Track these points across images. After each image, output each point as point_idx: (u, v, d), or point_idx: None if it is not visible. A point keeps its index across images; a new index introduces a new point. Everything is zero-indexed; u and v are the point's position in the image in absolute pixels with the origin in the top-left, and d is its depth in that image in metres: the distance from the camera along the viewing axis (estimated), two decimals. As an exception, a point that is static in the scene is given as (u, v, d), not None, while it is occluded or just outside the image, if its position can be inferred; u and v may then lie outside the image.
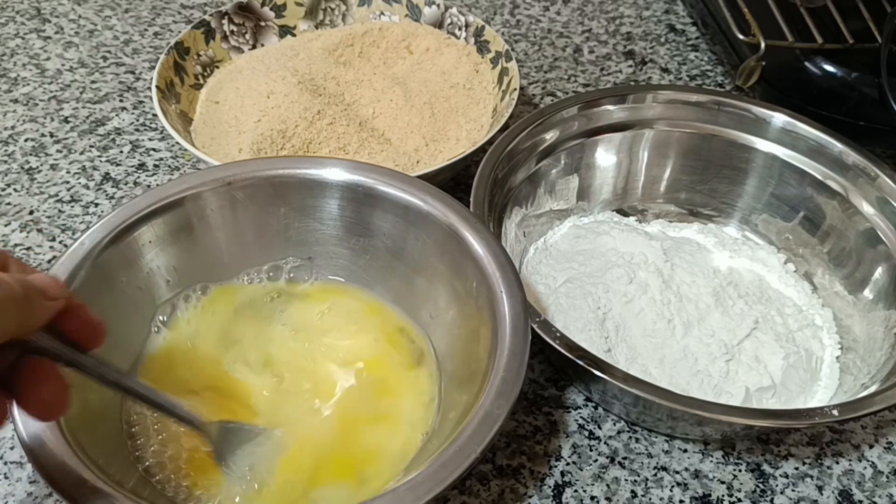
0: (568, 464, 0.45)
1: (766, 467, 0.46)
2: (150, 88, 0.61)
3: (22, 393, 0.30)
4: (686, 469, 0.45)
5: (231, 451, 0.39)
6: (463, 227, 0.42)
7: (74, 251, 0.40)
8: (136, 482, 0.38)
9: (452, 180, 0.61)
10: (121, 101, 0.69)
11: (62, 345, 0.31)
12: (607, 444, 0.46)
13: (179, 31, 0.68)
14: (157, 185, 0.61)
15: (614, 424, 0.47)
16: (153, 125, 0.66)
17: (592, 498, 0.44)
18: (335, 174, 0.45)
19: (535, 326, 0.41)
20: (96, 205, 0.59)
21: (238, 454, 0.39)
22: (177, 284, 0.45)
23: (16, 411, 0.34)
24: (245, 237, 0.46)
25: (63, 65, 0.72)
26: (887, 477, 0.46)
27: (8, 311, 0.27)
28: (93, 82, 0.70)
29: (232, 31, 0.65)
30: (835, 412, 0.39)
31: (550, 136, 0.55)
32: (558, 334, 0.42)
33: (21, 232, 0.56)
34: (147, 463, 0.39)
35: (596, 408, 0.48)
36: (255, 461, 0.39)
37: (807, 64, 0.62)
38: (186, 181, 0.44)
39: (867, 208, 0.52)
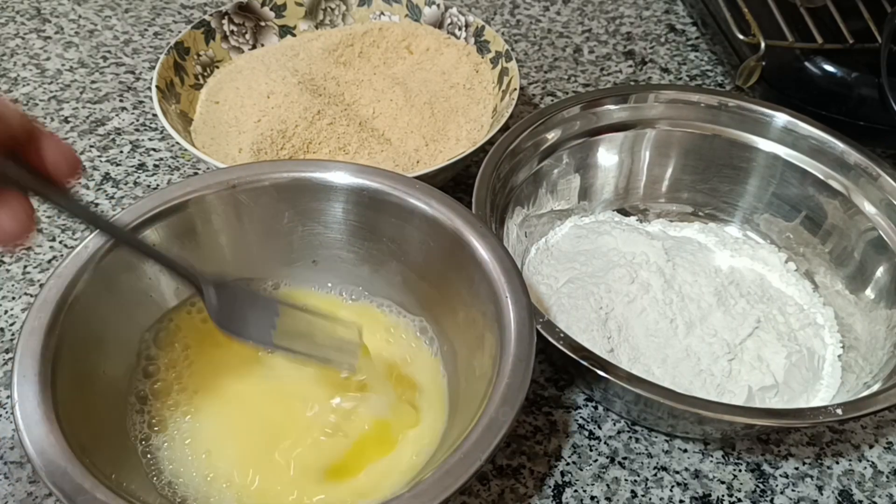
0: (568, 464, 0.45)
1: (766, 467, 0.46)
2: (150, 88, 0.61)
3: None
4: (686, 469, 0.45)
5: (230, 314, 0.36)
6: (468, 232, 0.42)
7: (78, 254, 0.39)
8: (136, 483, 0.38)
9: (452, 180, 0.61)
10: (121, 101, 0.69)
11: (26, 172, 0.29)
12: (607, 444, 0.46)
13: (179, 31, 0.68)
14: (158, 185, 0.61)
15: (614, 424, 0.47)
16: (153, 125, 0.66)
17: (592, 498, 0.44)
18: (340, 178, 0.44)
19: (538, 327, 0.41)
20: (96, 205, 0.59)
21: (237, 319, 0.36)
22: (180, 287, 0.45)
23: (17, 409, 0.34)
24: (249, 241, 0.46)
25: (63, 65, 0.72)
26: (887, 477, 0.46)
27: None
28: (93, 82, 0.70)
29: (232, 31, 0.65)
30: (838, 411, 0.39)
31: (552, 136, 0.55)
32: (562, 335, 0.42)
33: (21, 232, 0.56)
34: (148, 463, 0.39)
35: (596, 408, 0.48)
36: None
37: (807, 64, 0.62)
38: (190, 184, 0.43)
39: (869, 208, 0.52)
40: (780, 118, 0.56)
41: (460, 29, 0.66)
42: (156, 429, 0.41)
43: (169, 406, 0.42)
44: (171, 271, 0.35)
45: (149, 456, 0.40)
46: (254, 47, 0.67)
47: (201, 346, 0.44)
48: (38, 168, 0.29)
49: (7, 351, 0.49)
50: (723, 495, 0.44)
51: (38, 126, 0.29)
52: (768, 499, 0.44)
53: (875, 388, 0.44)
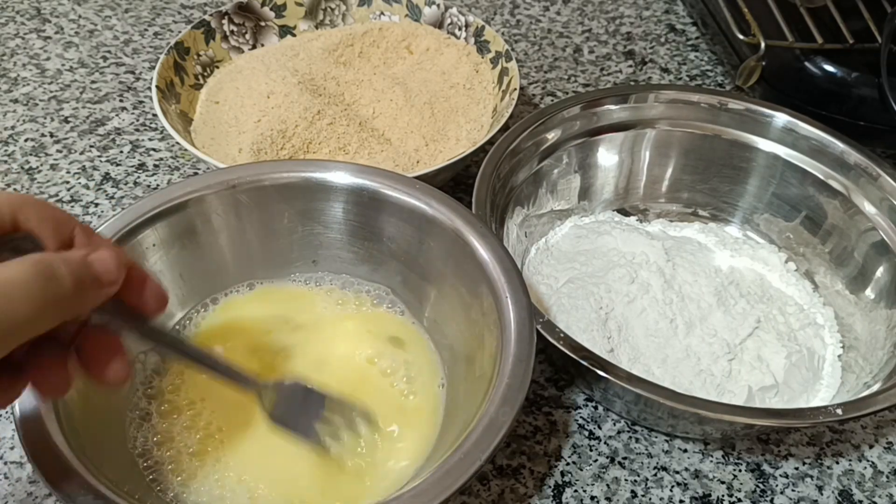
0: (568, 464, 0.45)
1: (766, 467, 0.46)
2: (150, 88, 0.61)
3: (87, 362, 0.30)
4: (686, 469, 0.45)
5: (287, 412, 0.38)
6: (468, 232, 0.42)
7: None
8: (136, 484, 0.38)
9: (452, 180, 0.61)
10: (121, 101, 0.69)
11: (119, 317, 0.31)
12: (607, 444, 0.46)
13: (179, 31, 0.68)
14: (158, 185, 0.61)
15: (614, 424, 0.47)
16: (153, 125, 0.66)
17: (592, 498, 0.44)
18: (340, 178, 0.44)
19: (538, 327, 0.41)
20: (96, 205, 0.59)
21: (293, 414, 0.38)
22: (181, 288, 0.45)
23: (17, 409, 0.34)
24: (249, 241, 0.46)
25: (63, 65, 0.72)
26: (887, 477, 0.46)
27: (55, 306, 0.27)
28: (93, 82, 0.70)
29: (232, 31, 0.65)
30: (838, 411, 0.39)
31: (552, 136, 0.55)
32: (562, 335, 0.42)
33: (21, 232, 0.56)
34: (148, 465, 0.39)
35: (596, 408, 0.48)
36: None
37: (807, 64, 0.62)
38: (190, 184, 0.43)
39: (869, 208, 0.52)
40: (780, 118, 0.56)
41: (460, 29, 0.66)
42: (155, 428, 0.41)
43: (168, 406, 0.42)
44: (230, 380, 0.37)
45: (148, 455, 0.40)
46: (254, 47, 0.67)
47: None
48: (134, 309, 0.31)
49: (7, 351, 0.49)
50: (723, 495, 0.44)
51: (140, 270, 0.31)
52: (768, 499, 0.44)
53: (875, 388, 0.44)
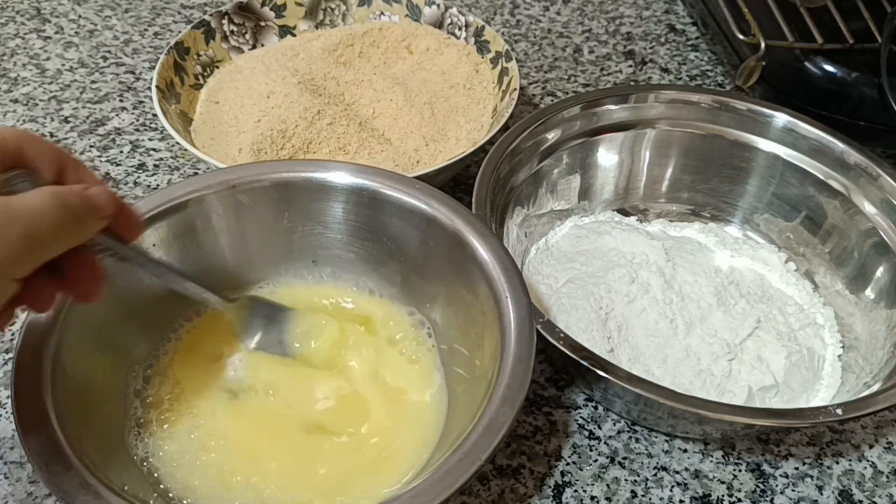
0: (568, 464, 0.45)
1: (766, 467, 0.46)
2: (150, 88, 0.61)
3: (70, 281, 0.33)
4: (686, 469, 0.45)
5: (254, 329, 0.42)
6: (468, 232, 0.42)
7: None
8: (136, 485, 0.38)
9: (452, 180, 0.61)
10: (121, 101, 0.69)
11: (105, 238, 0.34)
12: (607, 444, 0.46)
13: (179, 31, 0.68)
14: (158, 185, 0.61)
15: (614, 424, 0.47)
16: (153, 125, 0.66)
17: (592, 498, 0.44)
18: (340, 178, 0.44)
19: (538, 327, 0.41)
20: (96, 205, 0.59)
21: (260, 333, 0.42)
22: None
23: (17, 409, 0.34)
24: (249, 241, 0.46)
25: (63, 65, 0.72)
26: (887, 477, 0.46)
27: (70, 230, 0.31)
28: (93, 82, 0.70)
29: (232, 31, 0.65)
30: (838, 411, 0.39)
31: (552, 136, 0.55)
32: (562, 335, 0.42)
33: (21, 232, 0.56)
34: (148, 465, 0.39)
35: (596, 408, 0.48)
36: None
37: (807, 64, 0.62)
38: (190, 184, 0.43)
39: (869, 208, 0.52)
40: (780, 118, 0.56)
41: (460, 29, 0.66)
42: (154, 427, 0.41)
43: (167, 407, 0.42)
44: (205, 292, 0.41)
45: (147, 454, 0.40)
46: (254, 47, 0.67)
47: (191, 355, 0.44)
48: (112, 230, 0.34)
49: (7, 351, 0.49)
50: (723, 495, 0.44)
51: (121, 202, 0.34)
52: (768, 499, 0.44)
53: (875, 388, 0.44)
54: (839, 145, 0.54)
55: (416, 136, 0.58)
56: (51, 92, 0.69)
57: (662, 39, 0.81)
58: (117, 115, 0.67)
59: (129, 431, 0.40)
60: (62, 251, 0.31)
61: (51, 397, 0.35)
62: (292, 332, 0.44)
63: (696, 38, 0.81)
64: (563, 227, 0.57)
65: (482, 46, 0.65)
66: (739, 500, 0.44)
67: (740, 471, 0.45)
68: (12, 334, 0.50)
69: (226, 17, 0.65)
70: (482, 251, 0.41)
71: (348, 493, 0.39)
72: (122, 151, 0.64)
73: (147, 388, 0.42)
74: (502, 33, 0.80)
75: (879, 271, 0.51)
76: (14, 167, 0.30)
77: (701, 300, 0.50)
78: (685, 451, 0.46)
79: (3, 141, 0.30)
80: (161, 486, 0.38)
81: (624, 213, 0.59)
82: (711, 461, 0.46)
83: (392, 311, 0.47)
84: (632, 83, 0.75)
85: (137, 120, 0.67)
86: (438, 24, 0.67)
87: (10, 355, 0.48)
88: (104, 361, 0.41)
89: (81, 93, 0.69)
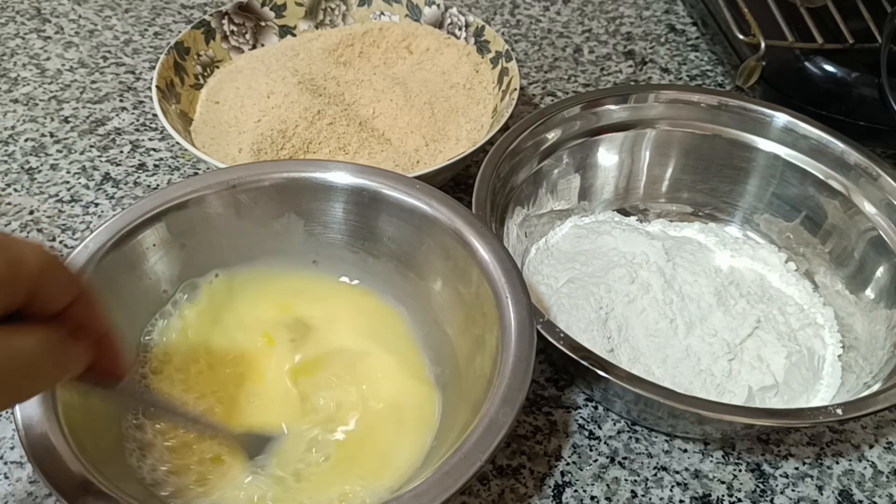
0: (568, 464, 0.45)
1: (766, 467, 0.46)
2: (150, 88, 0.61)
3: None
4: (686, 469, 0.45)
5: (257, 455, 0.40)
6: (468, 232, 0.42)
7: (78, 254, 0.39)
8: (135, 485, 0.38)
9: (452, 180, 0.61)
10: (121, 101, 0.69)
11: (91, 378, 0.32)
12: (607, 444, 0.46)
13: (179, 31, 0.68)
14: (158, 185, 0.61)
15: (614, 424, 0.47)
16: (153, 125, 0.66)
17: (592, 498, 0.44)
18: (340, 178, 0.44)
19: (538, 327, 0.41)
20: (96, 205, 0.59)
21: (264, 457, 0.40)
22: (180, 288, 0.45)
23: (17, 410, 0.34)
24: (249, 241, 0.46)
25: (63, 65, 0.72)
26: (887, 477, 0.46)
27: (56, 380, 0.30)
28: (93, 82, 0.70)
29: (232, 31, 0.65)
30: (838, 411, 0.39)
31: (552, 136, 0.55)
32: (562, 335, 0.42)
33: (21, 232, 0.56)
34: (147, 466, 0.39)
35: (596, 408, 0.48)
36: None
37: (807, 64, 0.62)
38: (190, 184, 0.43)
39: (869, 208, 0.52)
40: (780, 118, 0.56)
41: (460, 29, 0.66)
42: (157, 428, 0.41)
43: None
44: (202, 429, 0.40)
45: (147, 455, 0.40)
46: (254, 47, 0.67)
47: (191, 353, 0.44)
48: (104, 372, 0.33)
49: (7, 351, 0.49)
50: (723, 495, 0.44)
51: (112, 340, 0.32)
52: (768, 499, 0.44)
53: (875, 388, 0.44)
54: (839, 145, 0.54)
55: (416, 136, 0.58)
56: (51, 92, 0.69)
57: (662, 39, 0.81)
58: (117, 115, 0.67)
59: (130, 454, 0.40)
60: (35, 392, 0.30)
61: (51, 397, 0.35)
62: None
63: (696, 38, 0.81)
64: (563, 227, 0.57)
65: (482, 46, 0.65)
66: (739, 500, 0.44)
67: (740, 471, 0.45)
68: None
69: (226, 17, 0.65)
70: (482, 251, 0.41)
71: (347, 494, 0.39)
72: (122, 151, 0.64)
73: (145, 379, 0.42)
74: (502, 33, 0.80)
75: (879, 271, 0.51)
76: (27, 292, 0.27)
77: (701, 300, 0.50)
78: (685, 451, 0.46)
79: (26, 263, 0.26)
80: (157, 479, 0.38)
81: (624, 213, 0.59)
82: (711, 461, 0.46)
83: (392, 311, 0.47)
84: (632, 83, 0.75)
85: (137, 120, 0.67)
86: (438, 24, 0.67)
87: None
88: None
89: (81, 93, 0.69)
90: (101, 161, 0.63)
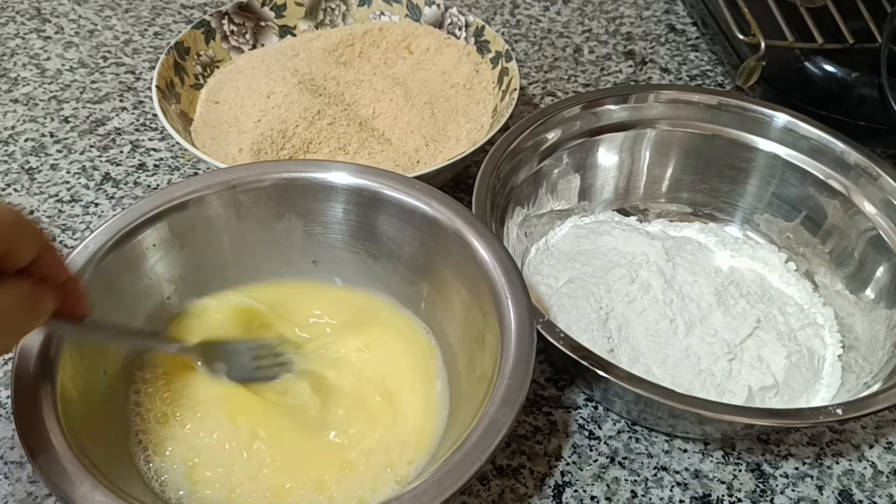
0: (568, 464, 0.45)
1: (766, 467, 0.46)
2: (150, 88, 0.61)
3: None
4: (686, 469, 0.45)
5: (219, 366, 0.42)
6: (468, 233, 0.42)
7: (78, 254, 0.39)
8: (136, 484, 0.38)
9: (452, 180, 0.61)
10: (121, 101, 0.69)
11: (56, 322, 0.35)
12: (607, 444, 0.46)
13: (179, 31, 0.68)
14: (158, 185, 0.61)
15: (614, 424, 0.47)
16: (153, 125, 0.66)
17: (592, 498, 0.44)
18: (340, 178, 0.44)
19: (538, 327, 0.41)
20: (96, 205, 0.59)
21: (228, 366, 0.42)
22: (180, 288, 0.45)
23: (17, 409, 0.34)
24: (250, 241, 0.46)
25: (63, 65, 0.72)
26: (887, 477, 0.46)
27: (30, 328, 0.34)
28: (93, 82, 0.70)
29: (232, 31, 0.65)
30: (838, 411, 0.39)
31: (552, 136, 0.55)
32: (562, 335, 0.42)
33: (21, 232, 0.56)
34: (147, 466, 0.39)
35: (596, 408, 0.48)
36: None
37: (807, 64, 0.62)
38: (190, 184, 0.43)
39: (869, 208, 0.52)
40: (780, 118, 0.56)
41: (460, 29, 0.66)
42: (154, 427, 0.41)
43: (164, 408, 0.42)
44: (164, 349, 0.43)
45: (147, 452, 0.40)
46: (254, 47, 0.67)
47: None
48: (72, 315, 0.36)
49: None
50: (723, 495, 0.44)
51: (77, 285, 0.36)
52: (768, 499, 0.44)
53: (875, 388, 0.44)
54: (839, 145, 0.54)
55: (416, 136, 0.58)
56: (51, 92, 0.69)
57: (662, 39, 0.81)
58: (117, 115, 0.67)
59: (128, 415, 0.41)
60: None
61: (51, 397, 0.35)
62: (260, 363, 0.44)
63: (696, 38, 0.81)
64: (563, 227, 0.57)
65: (482, 46, 0.65)
66: (739, 500, 0.44)
67: (740, 471, 0.45)
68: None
69: (226, 17, 0.65)
70: (482, 251, 0.41)
71: (348, 494, 0.39)
72: (122, 151, 0.64)
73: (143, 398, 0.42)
74: (502, 33, 0.80)
75: (879, 271, 0.51)
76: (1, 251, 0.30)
77: (701, 300, 0.50)
78: (685, 451, 0.46)
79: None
80: (159, 480, 0.38)
81: (624, 213, 0.59)
82: (711, 461, 0.46)
83: (392, 311, 0.47)
84: (632, 83, 0.75)
85: (137, 120, 0.67)
86: (438, 24, 0.67)
87: (11, 355, 0.48)
88: (105, 360, 0.41)
89: (81, 93, 0.69)
90: (101, 161, 0.63)
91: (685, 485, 0.44)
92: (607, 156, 0.58)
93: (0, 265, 0.30)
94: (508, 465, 0.45)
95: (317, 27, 0.69)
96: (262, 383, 0.42)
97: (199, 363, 0.41)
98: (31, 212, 0.58)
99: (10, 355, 0.48)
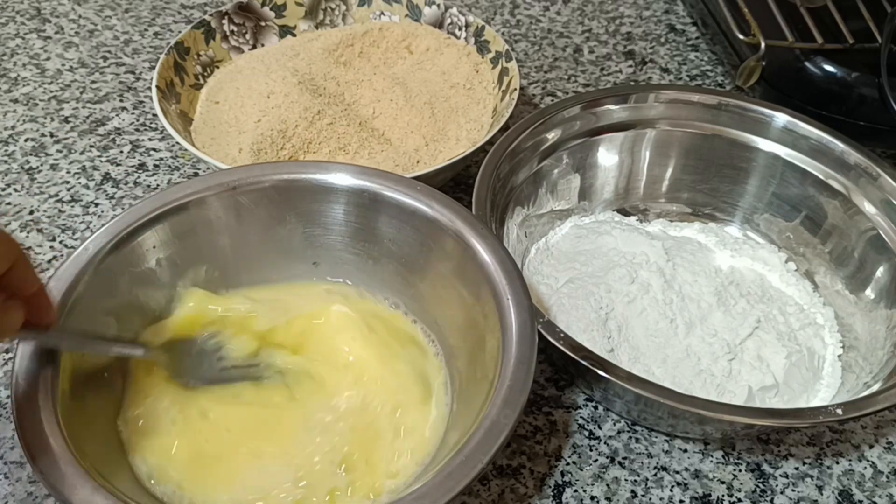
0: (568, 464, 0.45)
1: (766, 467, 0.46)
2: (150, 88, 0.61)
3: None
4: (686, 469, 0.45)
5: (185, 367, 0.42)
6: (469, 234, 0.42)
7: (78, 256, 0.39)
8: (134, 485, 0.38)
9: (452, 180, 0.61)
10: (121, 101, 0.69)
11: (25, 332, 0.35)
12: (607, 444, 0.46)
13: (179, 31, 0.68)
14: (158, 185, 0.61)
15: (614, 424, 0.47)
16: (153, 125, 0.66)
17: (592, 498, 0.44)
18: (341, 179, 0.44)
19: (539, 327, 0.41)
20: (96, 205, 0.59)
21: (193, 367, 0.42)
22: (180, 289, 0.45)
23: (17, 409, 0.34)
24: (250, 242, 0.46)
25: (63, 65, 0.72)
26: (887, 477, 0.46)
27: None
28: (93, 82, 0.70)
29: (232, 31, 0.65)
30: (838, 411, 0.39)
31: (552, 136, 0.55)
32: (562, 335, 0.42)
33: (21, 232, 0.56)
34: (146, 466, 0.39)
35: (596, 408, 0.48)
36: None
37: (807, 64, 0.62)
38: (191, 186, 0.43)
39: (869, 208, 0.52)
40: (780, 118, 0.56)
41: (460, 29, 0.66)
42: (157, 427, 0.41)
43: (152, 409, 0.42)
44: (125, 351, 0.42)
45: (145, 455, 0.40)
46: (254, 47, 0.67)
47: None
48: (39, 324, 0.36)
49: (7, 351, 0.49)
50: (723, 495, 0.44)
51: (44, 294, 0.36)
52: (768, 499, 0.44)
53: (875, 388, 0.44)
54: (839, 145, 0.54)
55: (416, 136, 0.58)
56: (51, 92, 0.69)
57: (662, 39, 0.81)
58: (117, 115, 0.67)
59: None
60: None
61: (51, 397, 0.35)
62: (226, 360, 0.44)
63: (696, 38, 0.81)
64: (563, 227, 0.57)
65: (482, 46, 0.65)
66: (739, 500, 0.44)
67: (740, 471, 0.45)
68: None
69: (226, 17, 0.65)
70: (483, 253, 0.41)
71: (348, 496, 0.39)
72: (122, 151, 0.64)
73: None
74: (502, 33, 0.80)
75: (879, 271, 0.51)
76: None
77: (701, 300, 0.50)
78: (685, 451, 0.46)
79: None
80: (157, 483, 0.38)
81: (624, 213, 0.59)
82: (711, 461, 0.46)
83: (392, 312, 0.47)
84: (632, 83, 0.75)
85: (137, 120, 0.67)
86: (438, 24, 0.67)
87: (10, 355, 0.48)
88: (104, 361, 0.41)
89: (81, 93, 0.69)
90: (101, 161, 0.63)
91: (685, 485, 0.45)
92: (607, 156, 0.58)
93: None
94: (508, 465, 0.45)
95: (317, 27, 0.69)
96: (242, 384, 0.42)
97: (165, 366, 0.41)
98: (31, 212, 0.58)
99: (10, 355, 0.48)
